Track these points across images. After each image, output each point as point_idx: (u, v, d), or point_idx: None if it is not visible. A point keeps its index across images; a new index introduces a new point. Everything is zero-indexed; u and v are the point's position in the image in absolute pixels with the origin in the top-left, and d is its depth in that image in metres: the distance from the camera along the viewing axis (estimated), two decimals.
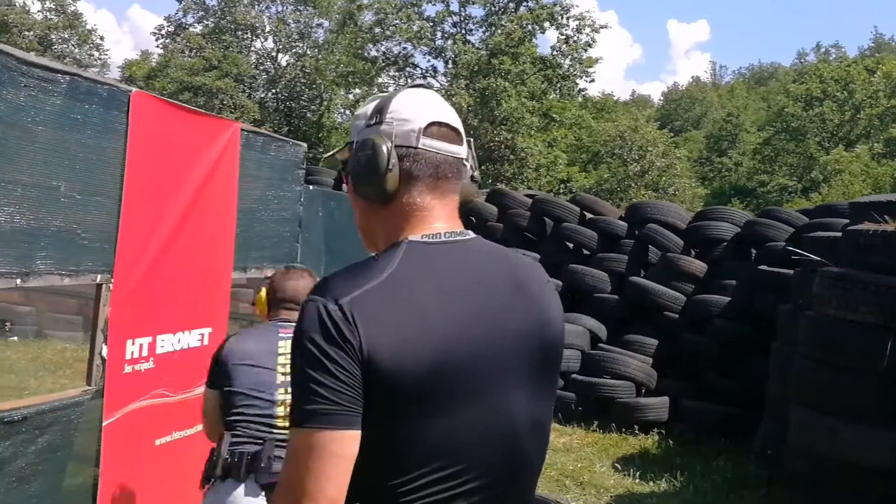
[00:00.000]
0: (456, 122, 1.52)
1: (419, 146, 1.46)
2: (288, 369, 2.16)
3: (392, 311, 1.32)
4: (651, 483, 6.29)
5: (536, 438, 1.47)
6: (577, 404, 8.00)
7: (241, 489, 2.65)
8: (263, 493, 2.64)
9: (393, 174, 1.44)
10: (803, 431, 5.33)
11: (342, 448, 1.27)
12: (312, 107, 33.75)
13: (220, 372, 2.80)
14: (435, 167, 1.46)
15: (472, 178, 1.58)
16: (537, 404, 1.46)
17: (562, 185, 27.96)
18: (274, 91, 33.78)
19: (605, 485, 6.17)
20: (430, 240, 1.44)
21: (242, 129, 3.76)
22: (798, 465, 5.32)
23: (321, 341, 1.29)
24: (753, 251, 8.51)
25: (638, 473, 6.43)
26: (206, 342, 3.68)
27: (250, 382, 2.75)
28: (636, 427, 7.74)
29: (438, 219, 1.47)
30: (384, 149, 1.43)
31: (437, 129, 1.48)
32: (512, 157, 26.41)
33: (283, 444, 2.62)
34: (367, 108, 1.52)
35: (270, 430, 2.71)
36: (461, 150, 1.51)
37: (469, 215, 9.87)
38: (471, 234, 1.50)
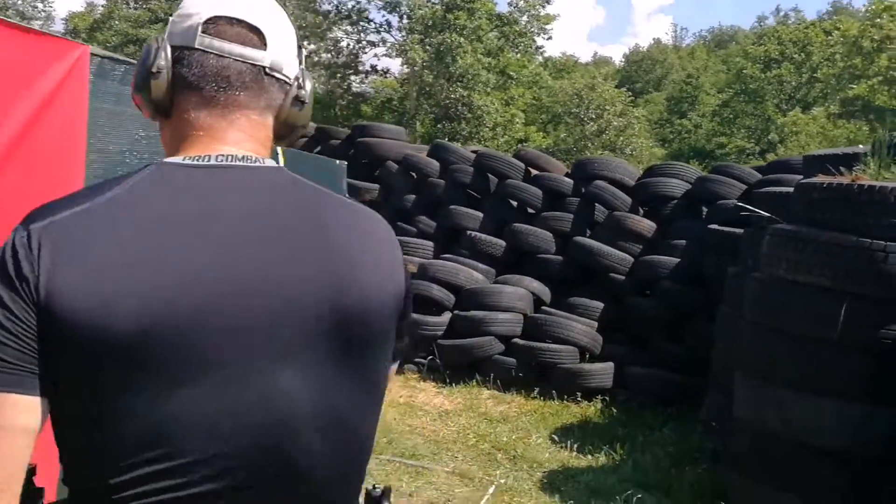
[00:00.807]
0: (257, 18, 1.21)
1: (196, 46, 1.18)
2: None
3: (95, 244, 1.02)
4: (589, 456, 5.88)
5: (330, 436, 1.14)
6: (518, 370, 7.56)
7: None
8: None
9: (158, 81, 1.17)
10: (748, 404, 4.93)
11: (10, 417, 0.99)
12: None
13: None
14: (215, 74, 1.18)
15: (298, 98, 1.25)
16: (335, 392, 1.13)
17: (519, 145, 27.47)
18: None
19: (539, 459, 5.74)
20: (192, 162, 1.15)
21: (95, 55, 3.15)
22: (743, 441, 4.92)
23: None
24: (704, 209, 8.09)
25: (576, 446, 6.01)
26: None
27: None
28: (579, 394, 7.33)
29: (222, 140, 1.18)
30: (153, 49, 1.18)
31: (224, 25, 1.19)
32: (469, 115, 25.87)
33: None
34: None
35: None
36: (261, 56, 1.20)
37: (409, 170, 9.33)
38: (268, 162, 1.19)
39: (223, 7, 1.19)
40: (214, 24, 1.18)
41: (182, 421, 1.03)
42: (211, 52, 1.18)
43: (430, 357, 7.74)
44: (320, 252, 1.14)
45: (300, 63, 1.27)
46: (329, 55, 29.56)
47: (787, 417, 4.61)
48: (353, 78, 30.19)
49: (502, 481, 5.21)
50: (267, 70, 1.21)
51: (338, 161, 6.17)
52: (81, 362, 1.01)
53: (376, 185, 9.45)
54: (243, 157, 1.17)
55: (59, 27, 35.83)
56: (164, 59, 1.18)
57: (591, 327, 7.84)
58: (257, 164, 1.17)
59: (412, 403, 6.89)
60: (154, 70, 1.16)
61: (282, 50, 1.23)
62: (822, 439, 4.47)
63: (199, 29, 1.18)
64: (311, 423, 1.12)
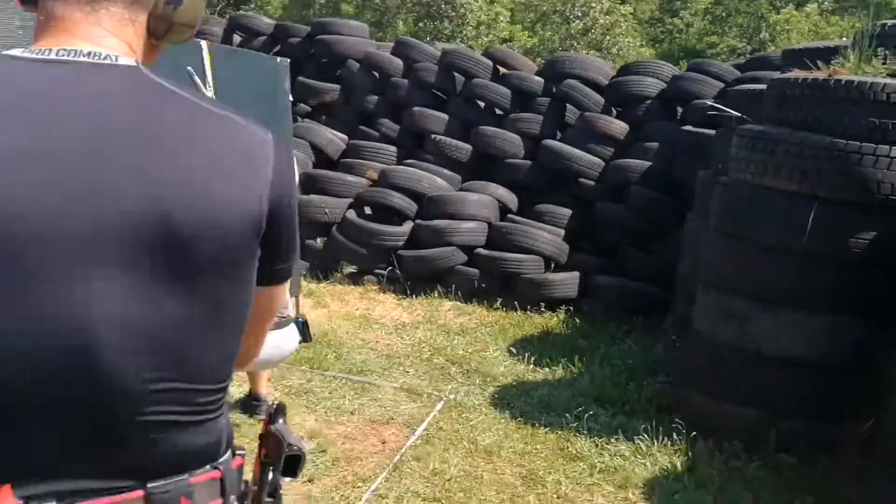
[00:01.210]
0: None
1: None
2: None
3: None
4: (546, 369, 5.64)
5: (147, 360, 1.06)
6: (481, 281, 7.27)
7: None
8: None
9: None
10: (709, 316, 4.65)
11: None
12: None
13: None
14: None
15: None
16: (158, 313, 1.06)
17: (504, 45, 26.56)
18: None
19: (494, 373, 5.49)
20: (31, 55, 1.09)
21: None
22: (701, 355, 4.67)
23: None
24: (680, 110, 7.65)
25: (533, 359, 5.76)
26: None
27: None
28: (542, 305, 7.06)
29: (73, 34, 1.12)
30: None
31: None
32: (451, 13, 24.89)
33: None
34: None
35: None
36: None
37: (371, 70, 8.80)
38: (123, 61, 1.12)
39: None
40: None
41: None
42: None
43: (390, 269, 7.43)
44: (156, 160, 1.06)
45: None
46: None
47: (748, 330, 4.33)
48: None
49: (452, 397, 4.97)
50: None
51: (279, 59, 5.68)
52: None
53: (336, 86, 8.93)
54: (90, 53, 1.10)
55: None
56: None
57: (558, 236, 7.51)
58: (107, 61, 1.10)
59: (368, 316, 6.61)
60: None
61: None
62: (784, 352, 4.21)
63: None
64: (130, 350, 1.04)
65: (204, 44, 4.51)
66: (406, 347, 5.93)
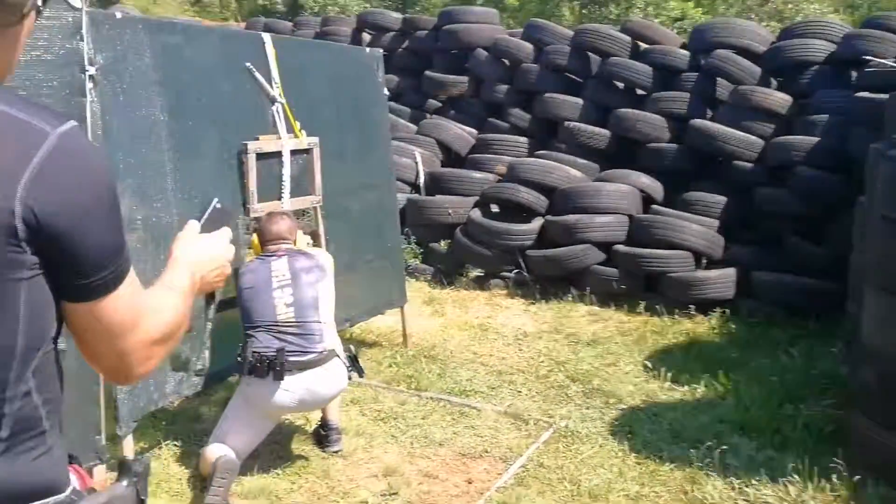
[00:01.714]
0: None
1: None
2: (281, 282, 3.58)
3: None
4: (684, 387, 4.79)
5: None
6: (620, 282, 6.46)
7: (262, 384, 3.42)
8: (280, 383, 3.40)
9: None
10: (879, 326, 3.67)
11: None
12: None
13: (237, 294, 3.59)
14: None
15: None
16: None
17: (675, 24, 25.01)
18: None
19: (620, 392, 4.71)
20: None
21: None
22: (872, 372, 3.69)
23: None
24: (854, 75, 6.47)
25: (670, 374, 4.92)
26: None
27: (258, 302, 3.54)
28: (692, 308, 6.15)
29: None
30: None
31: None
32: None
33: (296, 344, 3.47)
34: None
35: (280, 335, 3.47)
36: None
37: (500, 57, 8.19)
38: None
39: None
40: None
41: None
42: None
43: (517, 270, 6.78)
44: None
45: None
46: None
47: None
48: None
49: (563, 424, 4.25)
50: None
51: (368, 49, 5.21)
52: None
53: (464, 78, 8.38)
54: None
55: None
56: None
57: (710, 227, 6.55)
58: None
59: (487, 325, 5.99)
60: None
61: None
62: None
63: None
64: None
65: (267, 38, 4.09)
66: (522, 362, 5.27)
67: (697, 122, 6.87)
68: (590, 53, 7.63)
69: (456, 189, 7.39)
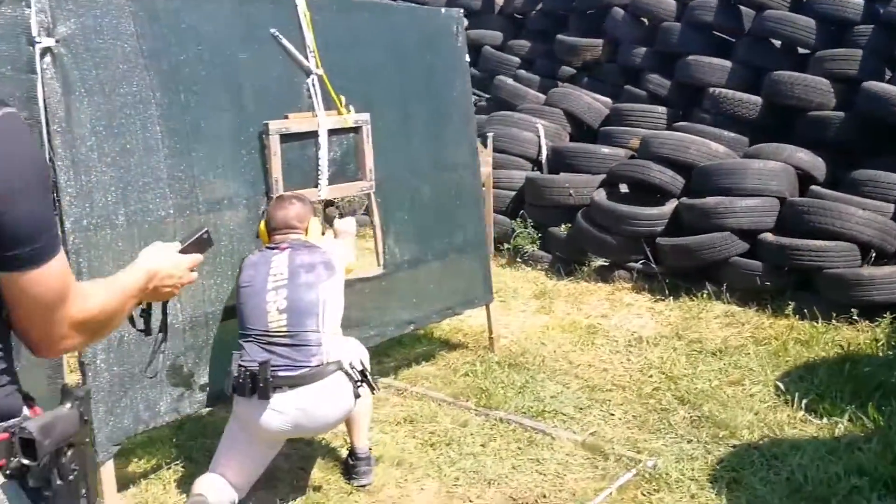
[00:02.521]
0: None
1: None
2: (277, 282, 3.01)
3: None
4: (822, 419, 3.82)
5: None
6: (765, 278, 5.44)
7: (248, 404, 2.90)
8: (268, 402, 2.87)
9: None
10: None
11: None
12: None
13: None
14: None
15: None
16: None
17: None
18: None
19: (737, 422, 3.81)
20: None
21: None
22: None
23: None
24: None
25: (806, 401, 3.96)
26: None
27: (250, 306, 3.02)
28: (855, 312, 5.05)
29: None
30: None
31: None
32: None
33: (285, 357, 2.91)
34: None
35: (269, 346, 2.94)
36: None
37: (639, 16, 7.25)
38: None
39: None
40: None
41: None
42: None
43: (643, 261, 5.90)
44: None
45: None
46: None
47: None
48: None
49: (650, 464, 3.45)
50: None
51: (444, 10, 4.53)
52: None
53: (599, 41, 7.50)
54: None
55: None
56: None
57: (885, 214, 5.38)
58: None
59: (597, 327, 5.20)
60: None
61: None
62: None
63: None
64: None
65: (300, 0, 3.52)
66: (626, 375, 4.47)
67: (872, 84, 5.66)
68: (741, 7, 6.53)
69: (581, 166, 6.60)
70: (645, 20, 7.20)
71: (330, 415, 2.98)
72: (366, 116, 3.76)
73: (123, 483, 3.20)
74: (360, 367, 3.01)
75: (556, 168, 6.80)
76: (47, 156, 2.60)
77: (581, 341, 4.96)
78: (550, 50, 7.90)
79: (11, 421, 1.25)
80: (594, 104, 7.17)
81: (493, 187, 6.68)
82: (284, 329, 2.96)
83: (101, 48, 2.82)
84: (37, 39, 2.59)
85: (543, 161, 6.90)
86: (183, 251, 1.70)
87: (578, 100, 7.19)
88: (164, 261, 1.62)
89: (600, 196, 6.23)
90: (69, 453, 1.30)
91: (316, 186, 3.59)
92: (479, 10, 8.68)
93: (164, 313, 1.95)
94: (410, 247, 4.12)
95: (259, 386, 2.85)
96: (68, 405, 1.32)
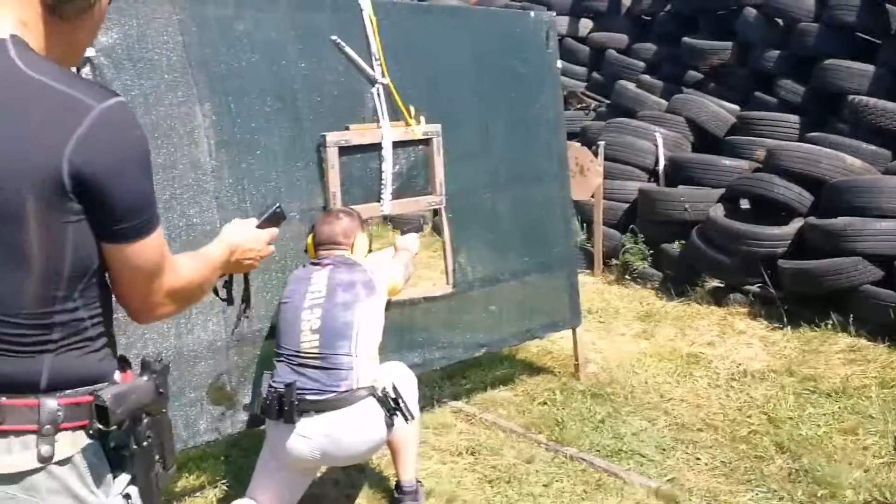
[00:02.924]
0: None
1: None
2: (314, 300, 2.87)
3: None
4: None
5: None
6: None
7: (276, 427, 2.81)
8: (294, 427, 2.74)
9: None
10: None
11: None
12: None
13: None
14: None
15: None
16: None
17: None
18: None
19: (840, 479, 3.33)
20: None
21: None
22: None
23: None
24: None
25: None
26: None
27: (285, 323, 2.91)
28: None
29: None
30: None
31: None
32: None
33: (314, 380, 2.78)
34: None
35: (299, 367, 2.82)
36: None
37: (772, 16, 6.68)
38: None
39: None
40: None
41: None
42: None
43: (761, 285, 5.40)
44: None
45: None
46: None
47: None
48: None
49: None
50: None
51: (533, 13, 4.25)
52: None
53: (728, 44, 6.98)
54: None
55: None
56: None
57: None
58: None
59: (700, 356, 4.78)
60: None
61: None
62: None
63: None
64: None
65: (365, 2, 3.38)
66: (721, 413, 4.05)
67: None
68: (888, 6, 5.87)
69: (700, 178, 6.15)
70: (779, 21, 6.62)
71: (359, 443, 2.81)
72: (437, 127, 3.57)
73: (167, 499, 3.15)
74: (393, 395, 2.82)
75: (673, 180, 6.38)
76: None
77: (678, 372, 4.57)
78: (677, 54, 7.44)
79: (98, 385, 1.34)
80: (719, 112, 6.67)
81: (605, 199, 6.37)
82: (316, 350, 2.81)
83: (143, 57, 2.77)
84: None
85: (660, 172, 6.48)
86: (260, 226, 1.81)
87: (702, 107, 6.71)
88: (244, 235, 1.75)
89: (717, 212, 5.77)
90: (145, 421, 1.39)
91: (378, 201, 3.43)
92: (605, 12, 8.30)
93: (247, 283, 2.18)
94: (484, 264, 3.89)
95: (284, 409, 2.73)
96: (145, 377, 1.41)
